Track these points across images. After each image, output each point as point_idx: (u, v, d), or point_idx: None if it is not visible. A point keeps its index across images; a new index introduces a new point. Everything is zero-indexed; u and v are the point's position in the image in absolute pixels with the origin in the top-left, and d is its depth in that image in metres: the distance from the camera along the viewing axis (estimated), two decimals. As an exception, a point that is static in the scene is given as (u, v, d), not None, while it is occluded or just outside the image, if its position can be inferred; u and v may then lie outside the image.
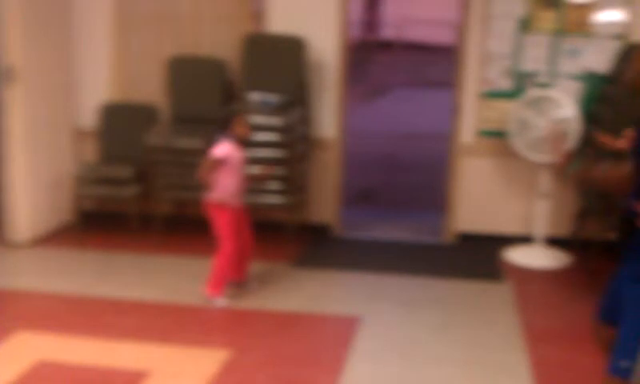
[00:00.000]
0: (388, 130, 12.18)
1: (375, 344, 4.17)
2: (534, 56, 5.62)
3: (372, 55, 19.23)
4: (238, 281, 4.86)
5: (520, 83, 5.68)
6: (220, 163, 4.47)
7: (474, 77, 5.76)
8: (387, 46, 19.11)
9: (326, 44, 5.88)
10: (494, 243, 5.84)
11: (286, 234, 5.95)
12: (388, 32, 20.28)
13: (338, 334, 4.33)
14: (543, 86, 5.61)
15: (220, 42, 6.00)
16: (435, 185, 8.06)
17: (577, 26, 5.51)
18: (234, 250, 4.60)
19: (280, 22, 5.87)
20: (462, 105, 5.83)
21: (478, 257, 5.72)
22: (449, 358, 4.02)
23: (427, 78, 19.18)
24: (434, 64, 19.17)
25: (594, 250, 5.59)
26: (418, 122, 13.83)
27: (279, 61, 5.76)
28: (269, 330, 4.34)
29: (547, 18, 5.55)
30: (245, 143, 4.67)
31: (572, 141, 5.33)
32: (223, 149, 4.49)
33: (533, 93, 5.52)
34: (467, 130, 5.87)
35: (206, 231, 4.73)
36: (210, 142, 4.60)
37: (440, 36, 19.61)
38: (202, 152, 5.71)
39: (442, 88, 18.62)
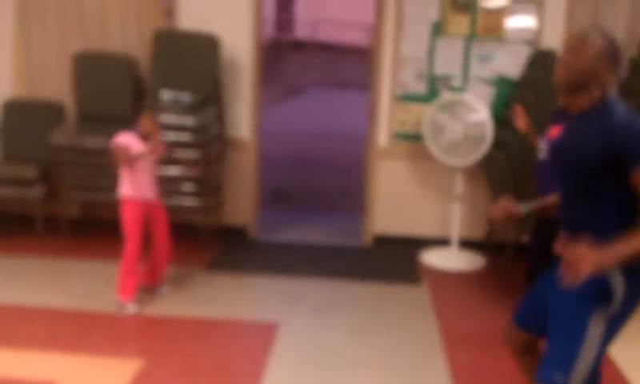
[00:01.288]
0: (301, 130, 12.15)
1: (294, 350, 4.10)
2: (448, 60, 5.70)
3: (285, 55, 19.19)
4: (151, 286, 4.70)
5: (434, 87, 5.74)
6: (127, 151, 4.32)
7: (389, 79, 5.79)
8: (300, 46, 19.09)
9: (239, 42, 5.77)
10: (411, 246, 5.89)
11: (201, 237, 5.81)
12: (301, 32, 20.27)
13: (256, 341, 4.23)
14: (457, 89, 5.69)
15: (129, 39, 5.78)
16: (350, 187, 8.10)
17: (489, 31, 5.62)
18: (136, 250, 4.44)
19: (191, 19, 5.72)
20: (378, 107, 5.85)
21: (395, 259, 5.75)
22: (368, 362, 4.00)
23: (340, 78, 19.33)
24: (347, 65, 19.34)
25: (507, 252, 5.73)
26: (331, 123, 13.89)
27: (192, 59, 5.61)
28: (184, 337, 4.20)
29: (460, 23, 5.63)
30: (149, 139, 4.50)
31: (486, 144, 5.44)
32: (123, 138, 4.36)
33: (446, 96, 5.59)
34: (383, 133, 5.89)
35: (117, 233, 4.55)
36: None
37: (353, 37, 19.82)
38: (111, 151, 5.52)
39: (354, 89, 18.91)
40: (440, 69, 5.71)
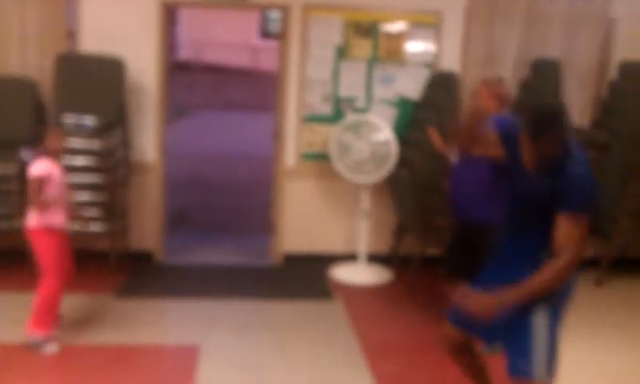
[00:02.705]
0: (192, 151, 12.04)
1: (219, 371, 4.10)
2: (352, 82, 5.89)
3: (170, 76, 18.94)
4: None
5: (339, 108, 5.91)
6: (43, 182, 4.13)
7: (296, 101, 5.90)
8: (185, 67, 18.91)
9: (144, 64, 5.70)
10: (320, 263, 6.00)
11: (107, 264, 5.66)
12: (186, 53, 20.09)
13: (179, 365, 4.18)
14: (361, 110, 5.89)
15: (30, 62, 5.56)
16: (253, 207, 8.12)
17: (391, 55, 5.87)
18: (61, 281, 4.26)
19: (94, 41, 5.58)
20: (284, 128, 5.94)
21: (306, 277, 5.85)
22: (293, 380, 4.06)
23: (226, 99, 19.30)
24: (232, 86, 19.35)
25: (413, 264, 5.95)
26: (222, 143, 13.85)
27: (96, 82, 5.48)
28: (103, 366, 4.09)
29: (363, 46, 5.84)
30: (59, 156, 4.33)
31: (391, 162, 5.65)
32: (40, 166, 4.16)
33: (351, 117, 5.77)
34: (290, 153, 5.98)
35: (24, 262, 4.36)
36: (22, 164, 4.21)
37: (236, 59, 19.87)
38: (14, 178, 5.27)
39: (241, 110, 18.94)
40: (344, 91, 5.89)
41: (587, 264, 6.09)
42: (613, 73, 5.99)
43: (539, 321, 2.82)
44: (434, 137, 4.90)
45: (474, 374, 3.37)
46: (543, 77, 5.69)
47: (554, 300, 2.85)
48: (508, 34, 5.85)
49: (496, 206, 3.37)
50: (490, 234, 3.58)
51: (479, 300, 2.82)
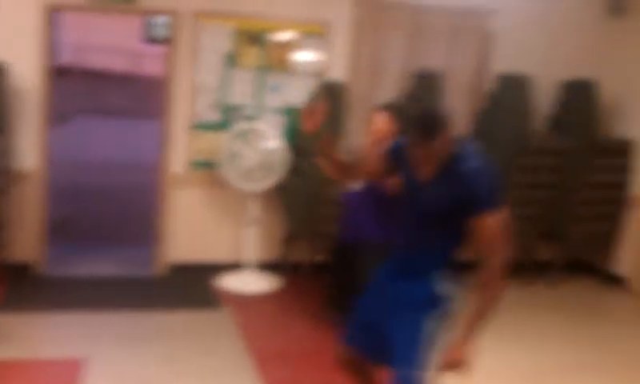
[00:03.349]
0: (74, 159, 11.62)
1: (107, 385, 3.99)
2: (241, 90, 5.89)
3: (52, 81, 18.17)
4: None
5: (228, 116, 5.89)
6: None
7: (184, 108, 5.83)
8: (66, 72, 18.21)
9: (23, 69, 5.46)
10: (208, 272, 5.94)
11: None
12: (67, 57, 19.34)
13: (64, 379, 4.03)
14: (250, 118, 5.90)
15: None
16: (136, 216, 7.92)
17: (279, 63, 5.92)
18: None
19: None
20: (172, 136, 5.85)
21: (194, 286, 5.78)
22: (185, 390, 4.02)
23: (105, 105, 18.74)
24: (112, 92, 18.82)
25: (303, 271, 6.02)
26: (103, 150, 13.44)
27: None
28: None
29: (252, 55, 5.86)
30: None
31: (279, 170, 5.69)
32: None
33: (241, 125, 5.77)
34: (178, 161, 5.90)
35: None
36: None
37: (117, 64, 19.33)
38: None
39: (121, 116, 18.42)
40: (234, 99, 5.88)
41: (541, 267, 6.68)
42: (491, 84, 6.31)
43: (429, 327, 2.84)
44: (323, 165, 4.81)
45: None
46: (426, 88, 5.92)
47: (447, 296, 2.89)
48: (393, 46, 6.04)
49: (386, 226, 3.39)
50: (375, 252, 3.59)
51: (456, 359, 2.77)
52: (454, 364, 2.77)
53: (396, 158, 3.00)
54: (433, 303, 2.85)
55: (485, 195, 2.70)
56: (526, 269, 6.51)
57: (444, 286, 2.86)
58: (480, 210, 2.67)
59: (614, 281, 6.78)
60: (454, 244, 2.87)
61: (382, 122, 4.30)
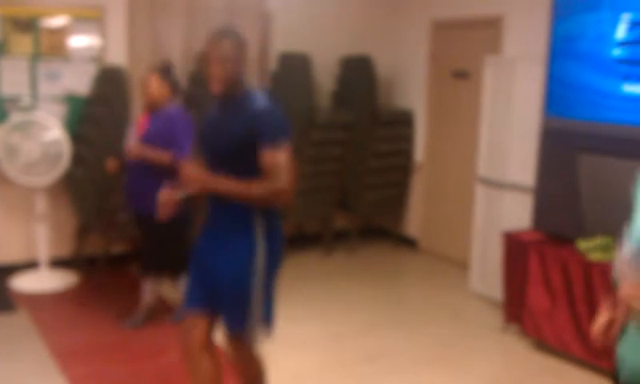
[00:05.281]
0: None
1: None
2: (14, 80, 5.55)
3: None
4: None
5: (2, 108, 5.54)
6: None
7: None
8: None
9: None
10: (1, 274, 5.55)
11: None
12: None
13: None
14: (27, 109, 5.58)
15: None
16: None
17: (54, 50, 5.66)
18: None
19: None
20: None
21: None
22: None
23: None
24: None
25: (99, 264, 5.79)
26: None
27: None
28: None
29: (24, 42, 5.55)
30: None
31: (64, 161, 5.44)
32: None
33: (17, 117, 5.45)
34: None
35: None
36: None
37: None
38: None
39: None
40: (7, 89, 5.53)
41: (338, 236, 6.89)
42: (274, 64, 6.47)
43: (254, 282, 2.93)
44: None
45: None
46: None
47: (269, 261, 2.97)
48: (171, 27, 5.99)
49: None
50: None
51: (192, 171, 2.89)
52: (193, 177, 2.89)
53: (200, 135, 3.12)
54: (254, 252, 2.93)
55: (273, 131, 2.85)
56: (325, 239, 6.76)
57: (260, 231, 2.94)
58: (269, 144, 2.82)
59: (406, 243, 7.24)
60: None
61: (154, 84, 4.47)
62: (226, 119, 2.93)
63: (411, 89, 7.12)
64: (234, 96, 2.94)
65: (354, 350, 4.65)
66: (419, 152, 7.09)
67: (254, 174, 2.86)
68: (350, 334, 4.94)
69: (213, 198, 2.98)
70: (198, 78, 5.77)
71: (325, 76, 6.80)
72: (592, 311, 4.32)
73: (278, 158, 2.82)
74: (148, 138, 4.43)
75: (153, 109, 4.54)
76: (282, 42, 6.47)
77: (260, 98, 2.93)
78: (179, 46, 6.02)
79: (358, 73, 6.85)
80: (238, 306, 2.94)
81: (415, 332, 5.03)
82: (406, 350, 4.72)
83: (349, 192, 6.90)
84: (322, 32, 6.76)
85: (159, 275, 4.70)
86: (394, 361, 4.53)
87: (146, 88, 4.52)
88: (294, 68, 6.49)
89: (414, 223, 7.24)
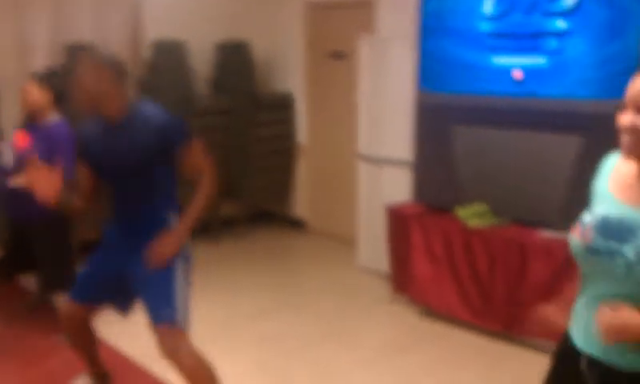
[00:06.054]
0: None
1: None
2: None
3: None
4: None
5: None
6: None
7: None
8: None
9: None
10: None
11: None
12: None
13: None
14: None
15: None
16: None
17: None
18: None
19: None
20: None
21: None
22: None
23: None
24: None
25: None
26: None
27: None
28: None
29: None
30: None
31: None
32: None
33: None
34: None
35: None
36: None
37: None
38: None
39: None
40: None
41: (227, 223, 6.77)
42: (147, 52, 6.32)
43: (178, 273, 3.03)
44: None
45: (87, 352, 3.46)
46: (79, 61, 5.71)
47: (186, 253, 3.11)
48: (38, 21, 5.69)
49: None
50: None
51: (169, 244, 2.99)
52: (165, 253, 2.99)
53: (86, 150, 3.14)
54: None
55: (182, 135, 3.02)
56: (212, 227, 6.70)
57: (174, 223, 3.08)
58: (185, 149, 3.00)
59: (294, 225, 7.29)
60: (169, 185, 3.08)
61: (34, 93, 4.15)
62: (123, 136, 2.99)
63: (290, 72, 7.15)
64: (121, 114, 2.98)
65: (247, 335, 4.65)
66: (302, 134, 7.14)
67: (166, 179, 3.05)
68: (242, 319, 4.94)
69: (120, 199, 3.09)
70: (69, 69, 5.54)
71: (202, 63, 6.70)
72: (473, 274, 4.54)
73: (197, 157, 3.04)
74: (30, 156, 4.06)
75: (32, 121, 4.17)
76: (156, 29, 6.31)
77: (153, 109, 3.04)
78: (47, 40, 5.74)
79: (235, 58, 6.80)
80: (167, 297, 2.99)
81: (307, 311, 5.09)
82: (298, 330, 4.77)
83: (234, 178, 6.86)
84: (196, 18, 6.65)
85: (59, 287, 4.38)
86: (288, 342, 4.57)
87: (25, 97, 4.13)
88: (169, 56, 6.36)
89: (301, 205, 7.30)
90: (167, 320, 2.96)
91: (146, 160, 2.95)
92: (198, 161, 3.06)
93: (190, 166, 3.04)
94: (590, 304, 1.85)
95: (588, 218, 1.86)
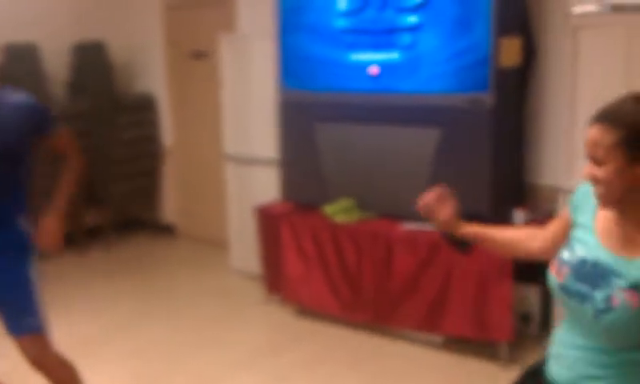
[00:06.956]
0: None
1: None
2: None
3: None
4: None
5: None
6: None
7: None
8: None
9: None
10: None
11: None
12: None
13: None
14: None
15: None
16: None
17: None
18: None
19: None
20: None
21: None
22: None
23: None
24: None
25: None
26: None
27: None
28: None
29: None
30: None
31: None
32: None
33: None
34: None
35: None
36: None
37: None
38: None
39: None
40: None
41: (92, 233, 6.53)
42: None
43: (33, 276, 2.93)
44: None
45: None
46: None
47: (35, 254, 2.98)
48: None
49: None
50: None
51: (49, 232, 2.92)
52: (51, 242, 2.93)
53: None
54: (27, 248, 2.93)
55: (49, 119, 2.98)
56: (78, 237, 6.41)
57: (25, 226, 2.96)
58: (52, 131, 2.97)
59: (164, 231, 7.10)
60: (23, 180, 2.95)
61: None
62: None
63: (150, 72, 6.95)
64: None
65: (121, 347, 4.51)
66: (167, 136, 6.96)
67: (27, 165, 2.94)
68: (115, 331, 4.77)
69: None
70: None
71: (57, 65, 6.37)
72: (342, 269, 4.59)
73: (64, 138, 3.04)
74: None
75: None
76: (6, 33, 5.93)
77: (12, 94, 2.92)
78: None
79: (91, 59, 6.52)
80: (25, 303, 2.88)
81: (182, 318, 4.99)
82: (173, 338, 4.66)
83: (97, 185, 6.58)
84: (49, 19, 6.32)
85: None
86: (164, 351, 4.46)
87: None
88: (21, 59, 6.01)
89: (170, 210, 7.12)
90: (31, 330, 2.88)
91: (15, 145, 2.86)
92: (67, 145, 3.07)
93: (60, 150, 3.05)
94: (568, 342, 1.86)
95: (566, 255, 1.83)
